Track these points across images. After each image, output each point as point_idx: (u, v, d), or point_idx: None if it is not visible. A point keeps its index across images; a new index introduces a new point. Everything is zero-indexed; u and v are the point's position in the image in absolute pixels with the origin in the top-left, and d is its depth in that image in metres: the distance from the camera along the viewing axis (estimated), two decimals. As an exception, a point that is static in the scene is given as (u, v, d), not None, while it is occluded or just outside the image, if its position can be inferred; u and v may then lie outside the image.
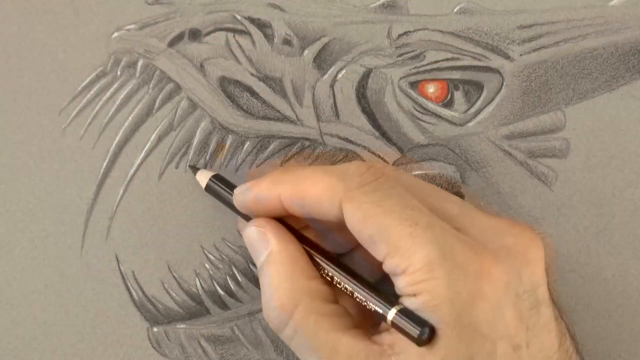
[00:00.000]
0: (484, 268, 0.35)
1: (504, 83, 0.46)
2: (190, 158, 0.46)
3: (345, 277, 0.38)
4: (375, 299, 0.37)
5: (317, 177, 0.38)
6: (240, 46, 0.46)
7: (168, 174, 0.47)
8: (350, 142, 0.46)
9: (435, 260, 0.35)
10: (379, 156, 0.46)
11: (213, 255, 0.46)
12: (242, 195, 0.41)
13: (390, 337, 0.36)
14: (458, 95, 0.46)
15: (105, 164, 0.46)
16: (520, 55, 0.46)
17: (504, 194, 0.46)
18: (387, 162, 0.46)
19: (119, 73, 0.46)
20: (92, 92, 0.46)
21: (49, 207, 0.47)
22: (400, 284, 0.36)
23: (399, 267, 0.35)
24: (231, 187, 0.43)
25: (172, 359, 0.47)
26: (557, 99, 0.46)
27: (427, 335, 0.34)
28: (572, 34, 0.46)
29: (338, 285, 0.38)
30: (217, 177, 0.44)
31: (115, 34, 0.46)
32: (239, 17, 0.46)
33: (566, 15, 0.46)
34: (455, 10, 0.46)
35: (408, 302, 0.36)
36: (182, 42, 0.46)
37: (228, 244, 0.46)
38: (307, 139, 0.46)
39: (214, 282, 0.47)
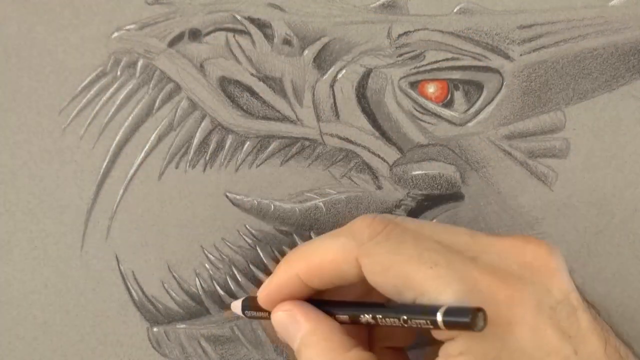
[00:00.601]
0: (512, 293, 0.35)
1: (504, 83, 0.46)
2: (190, 158, 0.46)
3: (383, 313, 0.37)
4: (418, 315, 0.36)
5: (327, 243, 0.38)
6: (240, 46, 0.46)
7: (168, 174, 0.47)
8: (350, 142, 0.46)
9: (464, 297, 0.34)
10: (379, 156, 0.45)
11: (213, 255, 0.46)
12: (265, 292, 0.41)
13: None
14: (458, 95, 0.46)
15: (105, 164, 0.46)
16: (520, 55, 0.46)
17: (504, 194, 0.46)
18: (387, 162, 0.46)
19: (119, 73, 0.46)
20: (92, 92, 0.46)
21: (49, 207, 0.47)
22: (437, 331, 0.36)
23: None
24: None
25: (172, 359, 0.47)
26: (557, 99, 0.46)
27: (482, 318, 0.33)
28: (572, 34, 0.46)
29: (381, 322, 0.37)
30: (246, 302, 0.44)
31: (115, 34, 0.46)
32: (239, 17, 0.46)
33: (566, 15, 0.46)
34: (455, 10, 0.46)
35: (449, 348, 0.35)
36: (182, 42, 0.46)
37: (228, 244, 0.46)
38: (307, 139, 0.46)
39: (214, 282, 0.47)
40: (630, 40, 0.46)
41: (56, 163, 0.47)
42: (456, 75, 0.46)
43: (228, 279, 0.47)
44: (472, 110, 0.46)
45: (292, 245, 0.47)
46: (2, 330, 0.47)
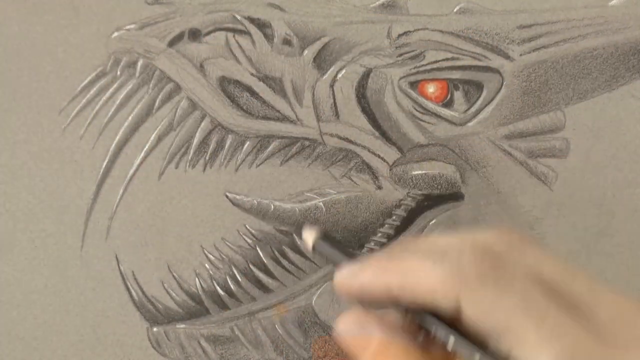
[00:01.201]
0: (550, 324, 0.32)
1: (504, 83, 0.46)
2: (190, 158, 0.46)
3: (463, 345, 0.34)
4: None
5: (428, 269, 0.35)
6: (240, 46, 0.46)
7: (168, 174, 0.46)
8: (350, 141, 0.46)
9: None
10: (379, 156, 0.45)
11: (213, 255, 0.46)
12: (348, 281, 0.37)
13: None
14: (458, 95, 0.46)
15: (105, 164, 0.46)
16: (520, 55, 0.46)
17: (504, 194, 0.46)
18: (387, 162, 0.46)
19: (118, 73, 0.46)
20: (92, 92, 0.46)
21: (49, 207, 0.47)
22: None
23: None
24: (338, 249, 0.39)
25: (172, 358, 0.47)
26: (557, 98, 0.46)
27: None
28: (572, 34, 0.46)
29: (454, 351, 0.35)
30: (323, 238, 0.41)
31: (115, 34, 0.46)
32: (238, 17, 0.46)
33: (566, 15, 0.46)
34: (455, 10, 0.46)
35: None
36: (182, 42, 0.46)
37: (228, 244, 0.46)
38: (307, 138, 0.46)
39: (213, 282, 0.47)
40: (630, 40, 0.46)
41: (56, 163, 0.47)
42: (456, 75, 0.46)
43: (228, 278, 0.47)
44: (472, 110, 0.46)
45: (292, 245, 0.46)
46: (2, 330, 0.47)
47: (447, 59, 0.46)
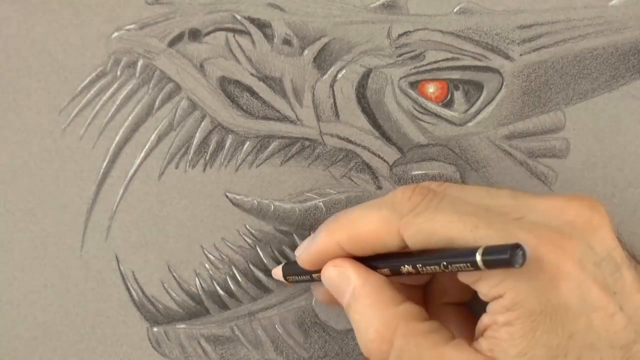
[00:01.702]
0: (555, 250, 0.35)
1: (504, 83, 0.46)
2: (190, 158, 0.46)
3: (423, 262, 0.37)
4: (457, 259, 0.36)
5: (368, 216, 0.39)
6: (240, 46, 0.46)
7: (168, 174, 0.47)
8: (350, 142, 0.46)
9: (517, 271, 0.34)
10: (379, 156, 0.45)
11: (213, 255, 0.47)
12: (306, 255, 0.41)
13: (488, 343, 0.36)
14: (458, 95, 0.46)
15: (105, 164, 0.46)
16: (520, 55, 0.46)
17: (504, 194, 0.46)
18: (387, 162, 0.46)
19: (118, 73, 0.46)
20: (92, 92, 0.46)
21: (49, 207, 0.47)
22: (483, 289, 0.36)
23: (475, 275, 0.36)
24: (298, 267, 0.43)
25: (172, 359, 0.47)
26: (557, 99, 0.46)
27: (520, 254, 0.33)
28: (572, 34, 0.46)
29: (422, 270, 0.37)
30: (286, 267, 0.45)
31: (115, 34, 0.46)
32: (238, 17, 0.46)
33: (566, 15, 0.46)
34: (455, 10, 0.46)
35: (496, 305, 0.35)
36: (182, 42, 0.46)
37: (228, 244, 0.46)
38: (307, 139, 0.46)
39: (213, 282, 0.47)
40: (630, 40, 0.46)
41: (56, 163, 0.47)
42: (456, 75, 0.46)
43: (228, 279, 0.47)
44: (472, 110, 0.46)
45: (292, 245, 0.47)
46: (2, 330, 0.47)
47: (447, 59, 0.46)
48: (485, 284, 0.36)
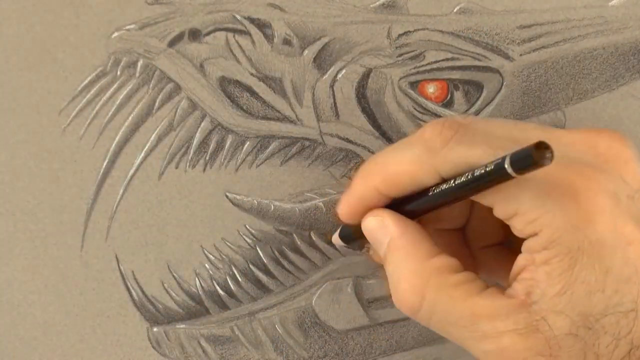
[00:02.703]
0: (589, 184, 0.35)
1: (504, 83, 0.46)
2: (190, 158, 0.46)
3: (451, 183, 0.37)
4: (486, 172, 0.35)
5: (401, 156, 0.38)
6: (240, 46, 0.46)
7: (168, 174, 0.47)
8: (350, 142, 0.46)
9: (541, 193, 0.34)
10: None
11: (213, 255, 0.47)
12: (344, 206, 0.41)
13: (523, 286, 0.36)
14: (458, 95, 0.46)
15: (105, 164, 0.46)
16: (520, 55, 0.46)
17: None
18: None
19: (118, 73, 0.46)
20: (92, 92, 0.46)
21: (49, 207, 0.47)
22: (518, 225, 0.35)
23: (510, 210, 0.35)
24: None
25: (172, 359, 0.47)
26: (557, 98, 0.46)
27: (548, 152, 0.32)
28: (572, 34, 0.46)
29: (459, 194, 0.37)
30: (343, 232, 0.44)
31: (115, 34, 0.46)
32: (238, 17, 0.46)
33: (566, 15, 0.46)
34: (455, 10, 0.46)
35: (532, 243, 0.35)
36: (182, 42, 0.46)
37: (228, 244, 0.46)
38: (307, 139, 0.46)
39: (213, 282, 0.47)
40: (630, 40, 0.46)
41: (56, 163, 0.47)
42: (456, 75, 0.46)
43: (228, 278, 0.47)
44: (472, 110, 0.46)
45: (292, 245, 0.47)
46: (2, 330, 0.47)
47: (447, 59, 0.46)
48: (521, 220, 0.35)
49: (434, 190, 0.37)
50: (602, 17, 0.46)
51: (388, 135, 0.46)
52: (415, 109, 0.46)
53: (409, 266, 0.38)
